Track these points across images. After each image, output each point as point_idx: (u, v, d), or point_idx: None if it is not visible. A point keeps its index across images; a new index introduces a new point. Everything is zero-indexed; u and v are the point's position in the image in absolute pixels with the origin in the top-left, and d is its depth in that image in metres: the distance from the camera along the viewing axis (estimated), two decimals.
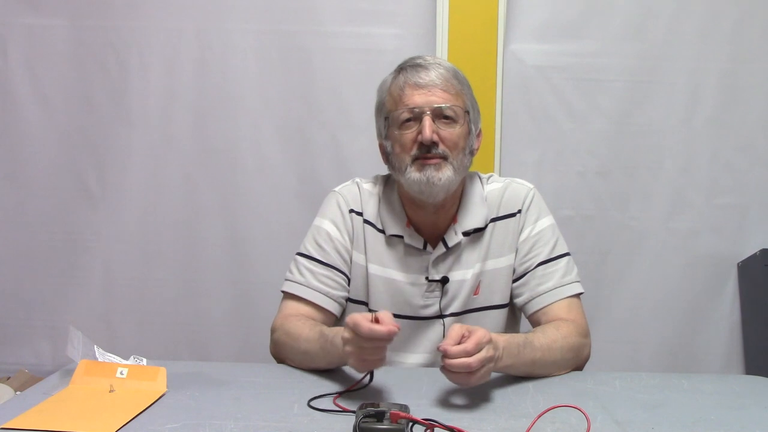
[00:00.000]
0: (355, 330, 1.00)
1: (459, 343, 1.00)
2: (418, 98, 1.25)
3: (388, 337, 0.98)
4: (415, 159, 1.25)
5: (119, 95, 2.12)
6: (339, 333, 1.11)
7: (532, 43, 2.08)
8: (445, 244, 1.32)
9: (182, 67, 2.11)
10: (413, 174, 1.25)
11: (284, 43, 2.10)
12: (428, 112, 1.23)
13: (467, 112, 1.29)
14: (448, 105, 1.25)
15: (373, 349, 1.01)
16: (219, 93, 2.11)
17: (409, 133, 1.25)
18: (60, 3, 2.10)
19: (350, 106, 2.08)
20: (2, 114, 2.14)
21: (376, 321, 1.00)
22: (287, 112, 2.12)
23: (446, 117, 1.25)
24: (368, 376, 1.07)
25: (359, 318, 1.00)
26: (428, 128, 1.22)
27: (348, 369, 1.16)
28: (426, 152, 1.24)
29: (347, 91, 2.08)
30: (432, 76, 1.26)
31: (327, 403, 1.02)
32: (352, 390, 1.07)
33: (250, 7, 2.09)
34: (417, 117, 1.25)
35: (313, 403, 1.02)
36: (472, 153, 1.32)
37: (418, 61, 1.29)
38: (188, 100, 2.12)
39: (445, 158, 1.25)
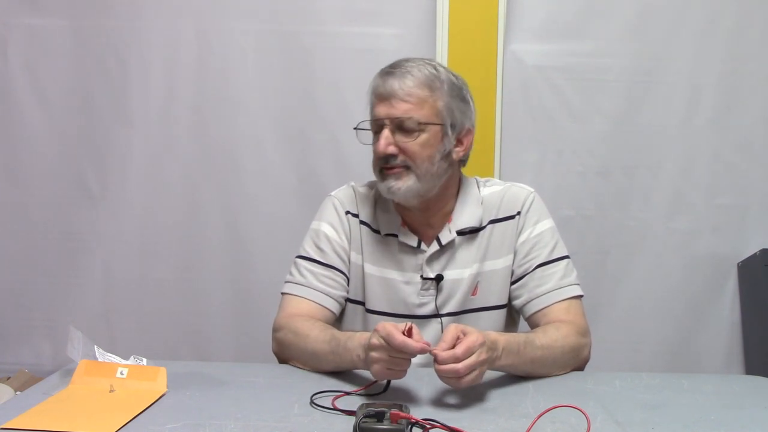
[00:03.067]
0: (387, 339, 1.00)
1: (452, 346, 1.01)
2: (379, 109, 1.26)
3: (419, 353, 0.99)
4: (380, 169, 1.28)
5: (119, 95, 2.12)
6: (353, 338, 1.12)
7: (532, 43, 2.08)
8: (439, 242, 1.32)
9: (182, 67, 2.11)
10: (380, 184, 1.29)
11: (284, 43, 2.10)
12: (387, 124, 1.25)
13: (435, 120, 1.25)
14: (407, 116, 1.24)
15: (401, 360, 1.01)
16: (219, 93, 2.11)
17: (376, 144, 1.28)
18: (60, 3, 2.10)
19: (350, 106, 2.08)
20: (2, 114, 2.14)
21: (409, 333, 1.00)
22: (287, 112, 2.12)
23: (407, 128, 1.25)
24: (385, 383, 1.07)
25: (391, 328, 1.00)
26: (383, 141, 1.25)
27: (351, 371, 1.16)
28: (384, 163, 1.26)
29: (347, 91, 2.08)
30: (395, 86, 1.24)
31: (329, 402, 1.01)
32: (360, 393, 1.07)
33: (250, 7, 2.09)
34: (379, 129, 1.27)
35: (316, 401, 1.01)
36: (449, 156, 1.30)
37: (391, 68, 1.28)
38: (188, 100, 2.12)
39: (407, 167, 1.26)
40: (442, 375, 1.01)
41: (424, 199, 1.29)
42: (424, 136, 1.26)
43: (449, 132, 1.29)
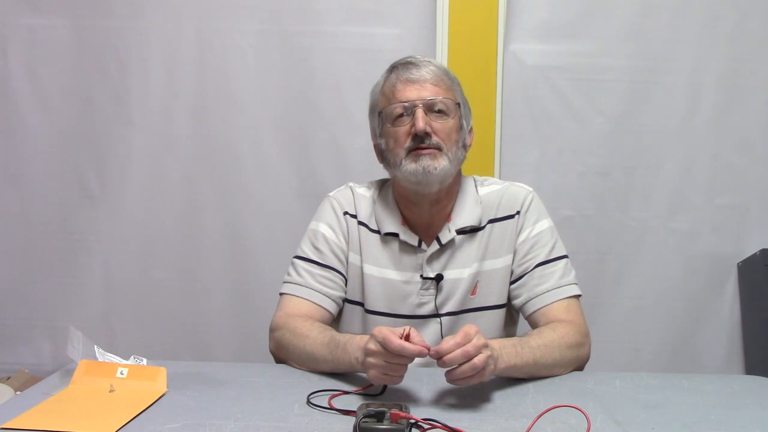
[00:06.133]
0: (384, 344, 0.99)
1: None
2: (410, 93, 1.27)
3: (417, 356, 0.98)
4: (409, 151, 1.27)
5: (119, 95, 2.12)
6: (352, 341, 1.12)
7: (532, 43, 2.08)
8: (439, 242, 1.32)
9: (182, 67, 2.11)
10: (409, 165, 1.26)
11: (284, 43, 2.10)
12: (420, 105, 1.26)
13: (458, 104, 1.31)
14: (439, 98, 1.27)
15: (397, 366, 1.01)
16: (219, 93, 2.11)
17: (403, 127, 1.28)
18: (60, 3, 2.10)
19: (350, 106, 2.08)
20: (2, 114, 2.14)
21: (407, 338, 0.99)
22: (287, 112, 2.12)
23: (438, 110, 1.27)
24: (382, 386, 1.06)
25: (388, 333, 1.00)
26: (421, 119, 1.25)
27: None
28: (420, 143, 1.26)
29: (347, 91, 2.09)
30: (423, 72, 1.29)
31: (326, 401, 1.01)
32: (358, 393, 1.07)
33: (250, 7, 2.09)
34: (409, 111, 1.27)
35: (314, 401, 1.01)
36: (465, 147, 1.34)
37: (409, 59, 1.32)
38: (188, 100, 2.12)
39: (439, 149, 1.26)
40: (453, 363, 0.98)
41: (442, 187, 1.30)
42: (452, 120, 1.29)
43: (464, 123, 1.33)
